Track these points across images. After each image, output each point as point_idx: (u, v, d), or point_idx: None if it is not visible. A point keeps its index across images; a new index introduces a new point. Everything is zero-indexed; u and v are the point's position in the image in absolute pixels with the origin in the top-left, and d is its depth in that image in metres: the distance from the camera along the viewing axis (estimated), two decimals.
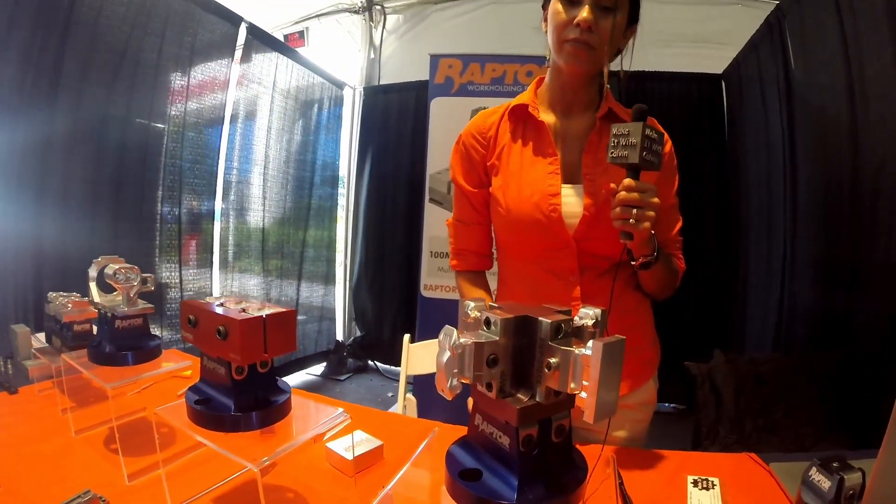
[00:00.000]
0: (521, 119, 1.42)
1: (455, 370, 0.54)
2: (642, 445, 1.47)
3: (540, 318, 0.57)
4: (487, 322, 0.58)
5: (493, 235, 1.55)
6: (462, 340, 0.53)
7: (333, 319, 5.69)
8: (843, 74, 2.63)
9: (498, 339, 0.56)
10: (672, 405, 4.32)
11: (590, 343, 0.50)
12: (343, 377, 5.27)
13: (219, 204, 4.12)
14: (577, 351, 0.52)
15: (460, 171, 1.49)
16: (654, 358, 1.49)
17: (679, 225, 1.43)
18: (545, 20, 1.33)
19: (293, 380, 4.96)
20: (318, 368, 5.39)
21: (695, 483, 1.08)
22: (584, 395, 0.51)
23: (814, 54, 2.98)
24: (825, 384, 2.55)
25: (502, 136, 1.42)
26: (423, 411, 2.12)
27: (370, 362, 5.54)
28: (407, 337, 2.05)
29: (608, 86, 1.36)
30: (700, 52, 4.33)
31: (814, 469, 0.63)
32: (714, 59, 4.28)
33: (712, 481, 1.08)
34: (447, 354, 0.53)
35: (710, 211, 4.35)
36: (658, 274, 1.29)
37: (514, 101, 1.43)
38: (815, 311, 2.98)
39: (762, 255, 3.71)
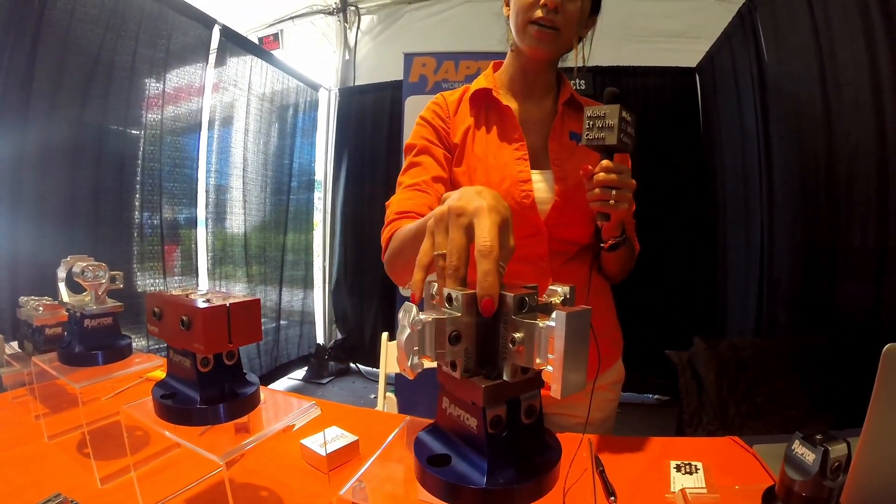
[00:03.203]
0: (482, 104, 1.40)
1: (415, 347, 0.52)
2: (614, 422, 1.52)
3: (504, 293, 0.55)
4: (449, 299, 0.57)
5: None
6: (422, 317, 0.52)
7: (314, 323, 5.67)
8: (815, 62, 2.66)
9: (460, 315, 0.55)
10: (655, 396, 4.34)
11: (554, 314, 0.49)
12: (325, 381, 5.24)
13: (201, 210, 4.09)
14: (541, 323, 0.51)
15: (424, 136, 1.37)
16: (620, 339, 1.52)
17: (633, 208, 1.42)
18: (507, 4, 1.32)
19: (276, 386, 4.90)
20: (300, 373, 5.35)
21: (678, 468, 1.08)
22: (550, 368, 0.50)
23: (786, 44, 3.02)
24: (808, 367, 2.56)
25: (463, 118, 1.39)
26: (406, 411, 2.10)
27: (352, 365, 5.52)
28: (385, 335, 2.03)
29: (579, 80, 1.35)
30: (674, 47, 4.38)
31: (796, 442, 0.62)
32: (688, 53, 4.33)
33: (695, 465, 1.08)
34: (407, 331, 0.51)
35: (687, 202, 4.39)
36: (622, 256, 1.30)
37: (473, 86, 1.42)
38: (795, 296, 3.01)
39: (740, 244, 3.76)
